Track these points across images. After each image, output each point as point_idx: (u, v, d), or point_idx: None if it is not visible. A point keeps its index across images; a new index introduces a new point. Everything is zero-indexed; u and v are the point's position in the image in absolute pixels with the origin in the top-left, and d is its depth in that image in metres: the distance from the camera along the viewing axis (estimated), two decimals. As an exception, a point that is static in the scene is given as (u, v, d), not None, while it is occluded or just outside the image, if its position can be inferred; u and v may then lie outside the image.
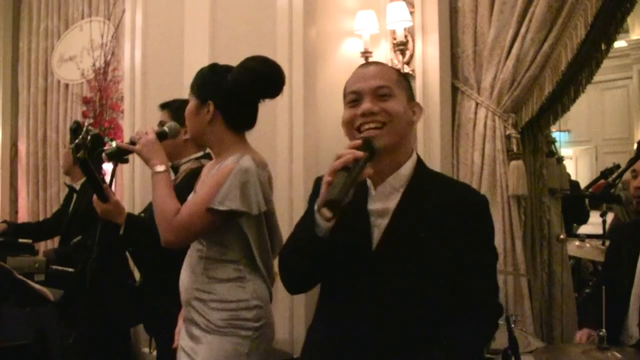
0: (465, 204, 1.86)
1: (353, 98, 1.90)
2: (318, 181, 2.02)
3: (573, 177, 9.94)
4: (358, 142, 1.77)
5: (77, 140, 2.63)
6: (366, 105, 1.85)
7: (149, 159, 2.46)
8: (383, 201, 1.88)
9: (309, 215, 1.84)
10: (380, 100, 1.86)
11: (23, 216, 7.43)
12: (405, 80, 1.96)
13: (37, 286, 3.01)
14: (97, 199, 2.75)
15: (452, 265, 1.81)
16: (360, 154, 1.73)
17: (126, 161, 2.70)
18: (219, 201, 2.29)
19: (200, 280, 2.39)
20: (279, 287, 2.76)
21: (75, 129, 2.71)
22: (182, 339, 2.45)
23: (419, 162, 1.94)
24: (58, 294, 3.35)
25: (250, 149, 2.48)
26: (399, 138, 1.87)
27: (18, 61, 7.84)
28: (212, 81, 2.47)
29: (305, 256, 1.86)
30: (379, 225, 1.86)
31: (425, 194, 1.86)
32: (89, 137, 2.61)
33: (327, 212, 1.70)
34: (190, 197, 2.45)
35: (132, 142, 2.53)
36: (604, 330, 2.23)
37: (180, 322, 2.55)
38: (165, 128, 2.68)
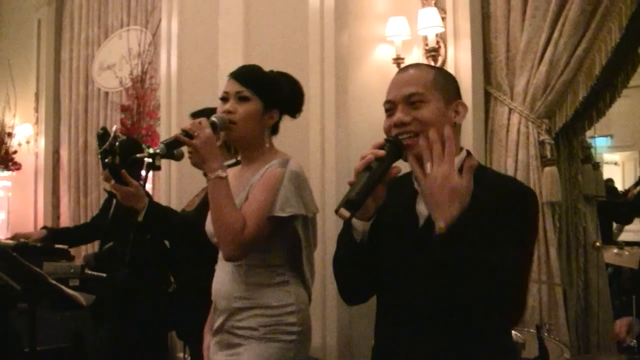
0: (506, 195, 1.77)
1: (388, 107, 1.87)
2: None
3: (619, 183, 9.81)
4: (381, 141, 1.75)
5: (105, 146, 2.65)
6: (398, 115, 1.81)
7: (207, 160, 2.25)
8: None
9: (345, 224, 1.83)
10: (412, 108, 1.81)
11: (64, 221, 7.57)
12: (444, 79, 1.89)
13: (69, 291, 3.06)
14: (116, 184, 2.71)
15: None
16: (381, 153, 1.71)
17: (179, 158, 2.67)
18: (279, 208, 2.26)
19: (242, 288, 2.34)
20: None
21: (102, 135, 2.74)
22: (214, 353, 2.42)
23: (468, 159, 1.87)
24: (90, 299, 3.39)
25: (282, 152, 2.47)
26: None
27: (60, 70, 8.01)
28: (280, 89, 2.45)
29: (347, 263, 1.87)
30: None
31: (472, 191, 1.76)
32: (117, 143, 2.62)
33: (344, 212, 1.67)
34: (238, 205, 2.33)
35: (188, 135, 2.25)
36: (634, 340, 2.19)
37: (207, 337, 2.50)
38: (215, 119, 2.34)
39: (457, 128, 1.87)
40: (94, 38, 7.40)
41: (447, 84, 1.88)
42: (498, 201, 1.75)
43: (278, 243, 2.35)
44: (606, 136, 11.10)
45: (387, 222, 1.87)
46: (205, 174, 2.33)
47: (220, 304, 2.40)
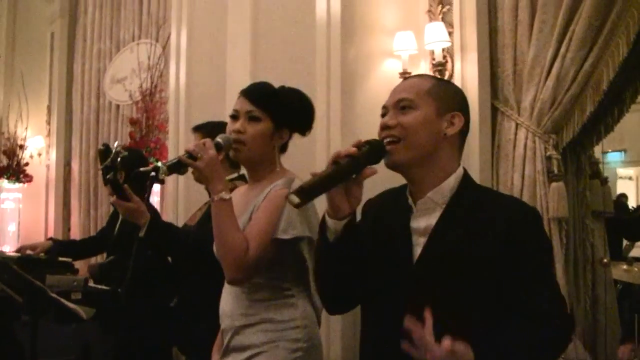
0: (512, 217, 1.74)
1: (382, 113, 1.87)
2: (366, 207, 2.02)
3: (632, 198, 9.71)
4: (360, 140, 1.74)
5: (106, 162, 2.65)
6: (384, 119, 1.83)
7: (211, 181, 2.24)
8: (426, 218, 1.81)
9: (320, 225, 1.82)
10: (400, 113, 1.80)
11: (75, 234, 7.60)
12: (444, 89, 1.88)
13: (70, 304, 3.06)
14: (117, 199, 2.70)
15: (502, 282, 1.70)
16: (353, 150, 1.69)
17: (183, 172, 2.67)
18: (282, 230, 2.22)
19: (245, 305, 2.31)
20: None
21: (104, 152, 2.74)
22: None
23: (465, 177, 1.86)
24: (91, 313, 3.39)
25: (290, 171, 2.45)
26: (420, 152, 1.79)
27: (72, 83, 8.08)
28: (289, 108, 2.41)
29: (322, 265, 1.87)
30: (420, 244, 1.79)
31: (468, 209, 1.77)
32: (118, 159, 2.62)
33: (293, 198, 1.66)
34: (242, 225, 2.32)
35: (191, 157, 2.26)
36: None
37: (215, 357, 2.44)
38: (220, 140, 2.34)
39: (451, 141, 1.84)
40: (106, 51, 7.47)
41: (445, 94, 1.86)
42: (501, 222, 1.72)
43: (283, 264, 2.31)
44: (620, 151, 11.04)
45: (380, 238, 1.86)
46: (207, 190, 2.33)
47: (225, 323, 2.38)
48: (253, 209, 2.34)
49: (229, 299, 2.36)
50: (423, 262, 1.77)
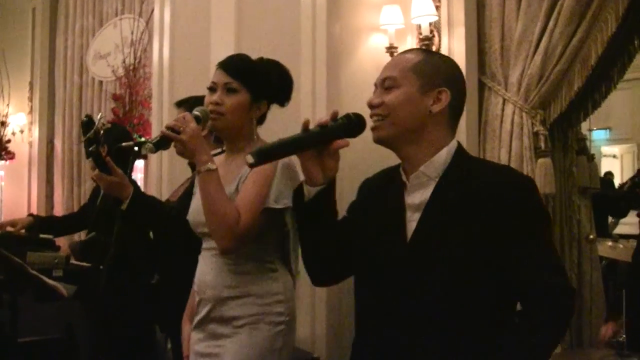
0: (506, 187, 1.73)
1: (374, 90, 1.88)
2: (363, 185, 2.04)
3: (617, 176, 9.77)
4: (335, 112, 1.79)
5: (88, 134, 2.60)
6: (370, 97, 1.85)
7: (196, 153, 2.23)
8: (420, 193, 1.80)
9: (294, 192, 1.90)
10: (384, 92, 1.82)
11: (58, 211, 7.52)
12: (431, 65, 1.84)
13: (50, 282, 3.01)
14: (99, 173, 2.68)
15: (499, 254, 1.68)
16: (325, 120, 1.75)
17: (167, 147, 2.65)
18: (274, 199, 2.25)
19: (231, 277, 2.32)
20: (299, 285, 2.75)
21: (87, 123, 2.69)
22: (196, 343, 2.38)
23: (459, 150, 1.84)
24: (73, 290, 3.35)
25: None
26: (404, 129, 1.80)
27: (55, 59, 7.96)
28: (267, 80, 2.43)
29: (299, 231, 1.92)
30: (415, 220, 1.79)
31: (461, 181, 1.76)
32: (102, 132, 2.56)
33: (249, 158, 1.70)
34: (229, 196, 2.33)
35: (174, 131, 2.23)
36: (624, 336, 2.15)
37: (187, 327, 2.49)
38: (197, 112, 2.34)
39: (438, 117, 1.82)
40: (89, 27, 7.35)
41: (432, 69, 1.83)
42: (493, 192, 1.71)
43: (268, 234, 2.33)
44: (605, 129, 11.09)
45: (374, 214, 1.87)
46: (190, 165, 2.33)
47: (206, 294, 2.37)
48: (240, 180, 2.35)
49: (209, 270, 2.37)
50: (417, 236, 1.76)
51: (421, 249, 1.75)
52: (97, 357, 3.72)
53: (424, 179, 1.81)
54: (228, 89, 2.36)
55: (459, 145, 1.86)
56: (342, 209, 1.97)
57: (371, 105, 1.82)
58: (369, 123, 1.84)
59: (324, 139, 1.73)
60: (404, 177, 1.85)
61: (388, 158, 1.96)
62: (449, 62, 1.95)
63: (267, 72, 2.46)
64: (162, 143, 2.29)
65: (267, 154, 1.71)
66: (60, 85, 7.75)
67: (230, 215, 2.20)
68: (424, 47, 3.83)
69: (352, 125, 1.77)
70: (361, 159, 3.31)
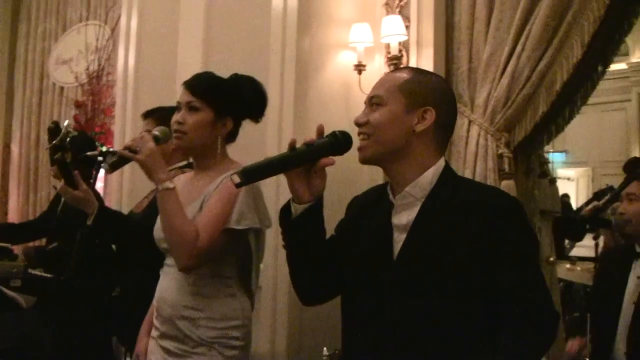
0: (492, 208, 1.73)
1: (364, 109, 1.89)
2: (352, 203, 2.05)
3: (573, 199, 9.92)
4: (321, 128, 1.79)
5: (55, 141, 2.56)
6: (357, 116, 1.85)
7: (152, 172, 2.26)
8: (406, 213, 1.80)
9: (281, 209, 1.86)
10: (371, 110, 1.83)
11: (13, 218, 7.39)
12: (418, 84, 1.83)
13: (9, 293, 2.94)
14: (65, 186, 2.65)
15: (484, 276, 1.68)
16: (309, 139, 1.74)
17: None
18: (235, 220, 2.25)
19: (190, 297, 2.31)
20: (260, 299, 2.72)
21: (54, 130, 2.64)
22: (152, 354, 2.37)
23: (446, 170, 1.84)
24: (31, 301, 3.27)
25: (235, 161, 2.45)
26: (388, 148, 1.79)
27: (15, 62, 7.81)
28: (232, 97, 2.43)
29: (286, 249, 1.89)
30: (402, 240, 1.78)
31: (447, 202, 1.76)
32: (68, 139, 2.53)
33: (235, 178, 1.69)
34: (190, 213, 2.33)
35: (131, 150, 2.30)
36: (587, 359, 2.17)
37: (144, 340, 2.47)
38: (157, 132, 2.45)
39: (423, 136, 1.81)
40: (52, 31, 7.26)
41: (419, 88, 1.83)
42: (479, 213, 1.71)
43: (229, 254, 2.33)
44: (561, 152, 11.27)
45: (362, 233, 1.87)
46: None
47: (165, 312, 2.35)
48: (204, 199, 2.34)
49: (170, 287, 2.36)
50: (403, 258, 1.76)
51: (406, 271, 1.74)
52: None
53: (410, 199, 1.80)
54: (190, 107, 2.38)
55: (446, 164, 1.86)
56: (331, 226, 1.97)
57: (357, 124, 1.82)
58: (355, 142, 1.84)
59: (310, 158, 1.73)
60: (391, 197, 1.85)
61: (377, 174, 1.97)
62: (438, 81, 1.94)
63: (234, 88, 2.45)
64: (118, 163, 2.38)
65: (254, 174, 1.69)
66: (20, 90, 7.62)
67: (188, 233, 2.20)
68: (391, 66, 3.88)
69: (338, 143, 1.76)
70: (349, 176, 3.32)
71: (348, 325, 1.90)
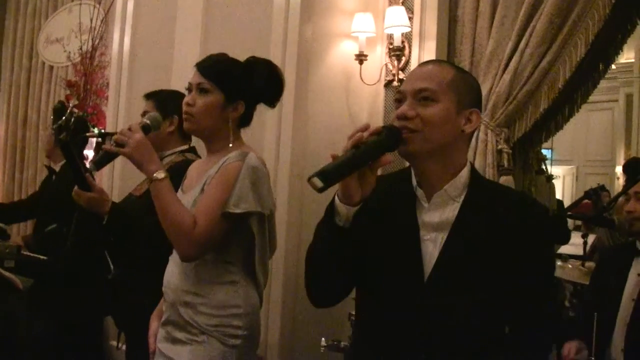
0: (526, 215, 1.74)
1: (398, 98, 1.79)
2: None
3: (559, 197, 9.97)
4: (378, 127, 1.66)
5: (59, 122, 2.51)
6: (403, 108, 1.73)
7: (142, 164, 2.25)
8: (439, 212, 1.76)
9: (328, 208, 1.73)
10: (419, 104, 1.72)
11: (-2, 197, 7.28)
12: (465, 83, 1.80)
13: (6, 273, 2.89)
14: (78, 189, 2.55)
15: (510, 283, 1.70)
16: (369, 135, 1.62)
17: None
18: (233, 204, 2.20)
19: (191, 282, 2.28)
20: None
21: (60, 110, 2.59)
22: (159, 341, 2.34)
23: (474, 171, 1.83)
24: (28, 283, 3.22)
25: (248, 145, 2.42)
26: (436, 146, 1.72)
27: (3, 40, 7.70)
28: (244, 80, 2.38)
29: (327, 252, 1.76)
30: (433, 239, 1.74)
31: (484, 205, 1.75)
32: (72, 119, 2.48)
33: (317, 182, 1.56)
34: (188, 199, 2.32)
35: (118, 144, 2.28)
36: (592, 358, 2.17)
37: (154, 324, 2.43)
38: (147, 120, 2.45)
39: (465, 137, 1.79)
40: (42, 9, 7.13)
41: (466, 88, 1.79)
42: (516, 220, 1.73)
43: (233, 240, 2.28)
44: (547, 149, 11.31)
45: (385, 228, 1.78)
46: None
47: (168, 296, 2.34)
48: (205, 182, 2.31)
49: (175, 272, 2.33)
50: (445, 255, 1.71)
51: (448, 269, 1.71)
52: (43, 348, 3.59)
53: (445, 198, 1.76)
54: (200, 90, 2.35)
55: (472, 165, 1.84)
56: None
57: (404, 117, 1.71)
58: None
59: (375, 156, 1.62)
60: (418, 193, 1.79)
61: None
62: (476, 81, 1.91)
63: (247, 72, 2.40)
64: (104, 159, 2.36)
65: (334, 176, 1.57)
66: (7, 68, 7.49)
67: (185, 222, 2.18)
68: (393, 57, 3.86)
69: (394, 138, 1.67)
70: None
71: (372, 323, 1.84)
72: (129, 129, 2.30)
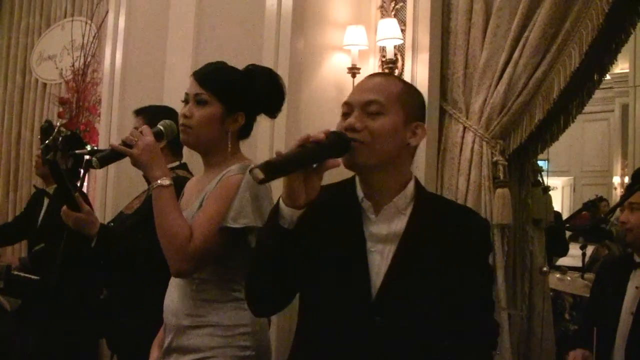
0: (470, 229, 1.79)
1: (345, 110, 1.76)
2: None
3: (557, 208, 9.95)
4: (327, 130, 1.64)
5: (47, 141, 2.45)
6: (350, 120, 1.71)
7: (148, 168, 2.15)
8: (387, 224, 1.75)
9: (272, 212, 1.69)
10: (368, 117, 1.71)
11: (-9, 217, 7.22)
12: (411, 96, 1.80)
13: (-7, 295, 2.84)
14: (67, 209, 2.47)
15: (454, 293, 1.73)
16: (321, 136, 1.59)
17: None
18: (232, 218, 2.08)
19: (193, 304, 2.16)
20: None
21: (47, 129, 2.54)
22: None
23: (418, 183, 1.83)
24: (16, 304, 3.16)
25: (246, 158, 2.32)
26: (383, 159, 1.72)
27: (-4, 57, 7.69)
28: (244, 90, 2.26)
29: (270, 256, 1.70)
30: (380, 251, 1.72)
31: (430, 217, 1.76)
32: (60, 138, 2.42)
33: (258, 173, 1.51)
34: (186, 215, 2.20)
35: (126, 144, 2.18)
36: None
37: (155, 353, 2.30)
38: (161, 127, 2.31)
39: (411, 150, 1.80)
40: (35, 26, 7.14)
41: (412, 101, 1.79)
42: (460, 233, 1.76)
43: (233, 257, 2.17)
44: (543, 160, 11.29)
45: (331, 239, 1.75)
46: (145, 177, 2.20)
47: (169, 321, 2.22)
48: (204, 196, 2.21)
49: (175, 296, 2.22)
50: (396, 267, 1.70)
51: (399, 279, 1.70)
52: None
53: (394, 211, 1.76)
54: (198, 101, 2.22)
55: (416, 177, 1.85)
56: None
57: (352, 128, 1.69)
58: None
59: (320, 157, 1.60)
60: (365, 205, 1.78)
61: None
62: (421, 95, 1.89)
63: (247, 82, 2.29)
64: (110, 157, 2.21)
65: (277, 169, 1.53)
66: (1, 85, 7.47)
67: (181, 234, 2.07)
68: (386, 70, 3.83)
69: (341, 144, 1.65)
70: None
71: (315, 335, 1.80)
72: (140, 131, 2.19)
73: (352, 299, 1.71)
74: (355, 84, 3.87)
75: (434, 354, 1.72)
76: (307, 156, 1.58)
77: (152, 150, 2.16)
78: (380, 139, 1.70)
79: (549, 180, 11.12)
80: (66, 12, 6.69)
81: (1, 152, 7.28)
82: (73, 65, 5.90)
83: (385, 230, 1.74)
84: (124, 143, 2.17)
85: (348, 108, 1.76)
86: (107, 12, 5.19)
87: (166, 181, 2.13)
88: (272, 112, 2.38)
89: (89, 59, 5.84)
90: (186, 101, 2.26)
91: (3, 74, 7.45)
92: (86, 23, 6.00)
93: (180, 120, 2.24)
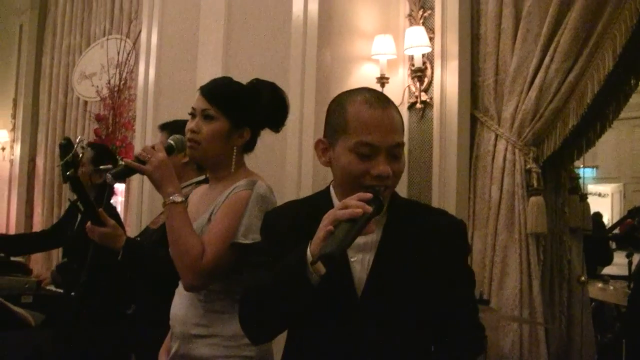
0: (444, 230, 1.75)
1: (366, 152, 1.64)
2: (269, 216, 1.86)
3: (607, 216, 9.71)
4: (369, 195, 1.55)
5: (67, 158, 2.46)
6: (384, 167, 1.63)
7: (161, 185, 2.16)
8: (364, 233, 1.65)
9: (297, 258, 1.58)
10: (392, 161, 1.65)
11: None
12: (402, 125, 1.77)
13: (17, 309, 2.85)
14: (92, 225, 2.46)
15: (435, 295, 1.69)
16: (369, 209, 1.51)
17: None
18: (242, 234, 2.11)
19: (200, 314, 2.19)
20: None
21: (66, 146, 2.55)
22: None
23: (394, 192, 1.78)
24: (40, 319, 3.18)
25: (253, 172, 2.32)
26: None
27: (40, 76, 7.87)
28: (251, 106, 2.28)
29: (289, 303, 1.63)
30: (360, 261, 1.69)
31: (405, 224, 1.72)
32: (81, 155, 2.43)
33: (321, 268, 1.50)
34: (199, 225, 2.22)
35: (140, 161, 2.20)
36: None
37: (162, 359, 2.33)
38: (171, 141, 2.33)
39: None
40: (76, 46, 7.29)
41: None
42: (436, 236, 1.72)
43: (241, 272, 2.14)
44: (592, 167, 11.06)
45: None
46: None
47: (176, 329, 2.25)
48: (213, 210, 2.23)
49: (182, 304, 2.24)
50: (375, 275, 1.67)
51: (379, 288, 1.67)
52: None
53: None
54: (205, 116, 2.23)
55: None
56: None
57: (387, 176, 1.64)
58: None
59: (366, 227, 1.53)
60: None
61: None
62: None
63: (253, 96, 2.30)
64: (123, 173, 2.22)
65: (335, 258, 1.46)
66: (45, 104, 7.66)
67: (194, 250, 2.10)
68: (415, 78, 3.77)
69: (381, 206, 1.59)
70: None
71: (306, 345, 1.75)
72: (153, 148, 2.21)
73: (338, 308, 1.68)
74: (385, 93, 3.81)
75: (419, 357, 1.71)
76: (359, 232, 1.51)
77: (165, 167, 2.18)
78: (398, 179, 1.71)
79: (598, 187, 10.94)
80: (105, 31, 6.79)
81: (45, 169, 7.43)
82: (109, 82, 5.98)
83: (362, 240, 1.65)
84: (137, 159, 2.19)
85: (372, 150, 1.64)
86: (140, 30, 5.24)
87: (178, 198, 2.15)
88: (276, 127, 2.38)
89: (124, 76, 5.91)
90: (193, 115, 2.27)
91: (47, 93, 7.63)
92: (122, 40, 6.07)
93: (188, 135, 2.24)
